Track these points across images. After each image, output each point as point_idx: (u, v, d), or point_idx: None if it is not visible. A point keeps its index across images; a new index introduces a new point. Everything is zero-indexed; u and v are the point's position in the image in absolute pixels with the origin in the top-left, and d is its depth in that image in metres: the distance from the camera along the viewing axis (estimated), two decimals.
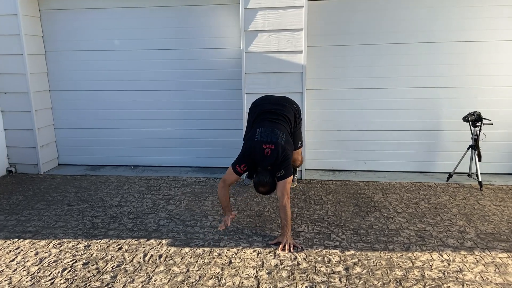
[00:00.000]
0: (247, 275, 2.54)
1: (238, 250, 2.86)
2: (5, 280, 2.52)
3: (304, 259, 2.72)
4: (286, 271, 2.58)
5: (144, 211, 3.58)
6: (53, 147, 5.03)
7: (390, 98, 4.42)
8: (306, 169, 4.67)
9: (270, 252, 2.83)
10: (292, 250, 2.83)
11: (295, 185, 4.16)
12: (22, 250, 2.91)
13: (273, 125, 3.16)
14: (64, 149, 5.10)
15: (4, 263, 2.72)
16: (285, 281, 2.46)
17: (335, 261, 2.69)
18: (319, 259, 2.72)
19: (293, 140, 3.58)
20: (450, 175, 4.21)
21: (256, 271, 2.58)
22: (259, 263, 2.68)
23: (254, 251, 2.84)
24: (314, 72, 4.45)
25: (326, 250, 2.84)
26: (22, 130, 4.71)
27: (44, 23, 4.75)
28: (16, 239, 3.07)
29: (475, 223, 3.24)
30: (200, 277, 2.53)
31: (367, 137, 4.55)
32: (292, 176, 3.08)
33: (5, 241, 3.04)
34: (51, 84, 4.92)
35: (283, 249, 2.84)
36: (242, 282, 2.46)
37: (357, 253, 2.79)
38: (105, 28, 4.67)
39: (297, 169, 4.25)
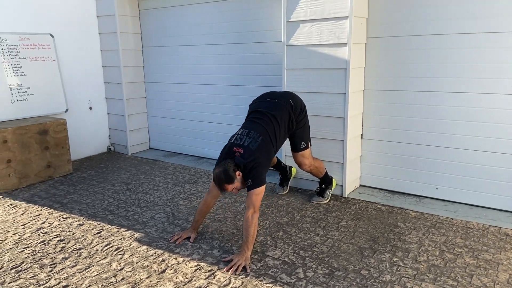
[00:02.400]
0: None
1: (184, 260, 2.64)
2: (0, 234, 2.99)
3: None
4: None
5: (156, 202, 3.66)
6: (144, 132, 5.64)
7: (477, 106, 3.26)
8: (360, 185, 3.92)
9: (210, 270, 2.51)
10: (237, 273, 2.45)
11: (326, 202, 3.54)
12: (38, 217, 3.38)
13: (252, 126, 2.84)
14: (154, 134, 5.65)
15: (17, 224, 3.23)
16: None
17: None
18: None
19: (294, 141, 3.18)
20: None
21: None
22: (186, 280, 2.41)
23: (198, 265, 2.57)
24: (375, 69, 3.66)
25: (270, 285, 2.33)
26: (118, 115, 5.44)
27: (142, 22, 5.33)
28: (45, 208, 3.59)
29: None
30: (122, 278, 2.45)
31: (442, 156, 3.48)
32: (264, 187, 2.65)
33: (38, 207, 3.58)
34: (146, 76, 5.50)
35: (228, 270, 2.48)
36: None
37: None
38: (187, 24, 4.89)
39: (334, 182, 3.60)
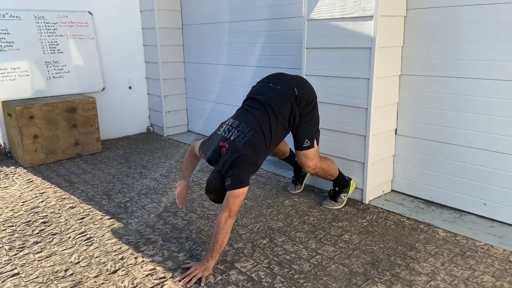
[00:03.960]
0: None
1: (143, 261, 2.36)
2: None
3: None
4: None
5: (157, 190, 3.44)
6: (182, 114, 5.48)
7: None
8: (392, 191, 3.27)
9: (163, 277, 2.20)
10: (188, 286, 2.10)
11: (339, 207, 2.99)
12: (41, 195, 3.38)
13: (244, 117, 2.46)
14: (192, 117, 5.47)
15: (19, 200, 3.25)
16: None
17: None
18: None
19: (296, 137, 2.72)
20: None
21: None
22: (131, 286, 2.13)
23: (153, 269, 2.27)
24: (416, 48, 2.94)
25: None
26: (156, 96, 5.34)
27: None
28: (54, 186, 3.59)
29: None
30: (72, 274, 2.26)
31: (494, 163, 2.69)
32: (245, 189, 2.24)
33: (48, 185, 3.60)
34: (186, 56, 5.29)
35: (180, 280, 2.15)
36: None
37: None
38: None
39: (353, 184, 3.02)
